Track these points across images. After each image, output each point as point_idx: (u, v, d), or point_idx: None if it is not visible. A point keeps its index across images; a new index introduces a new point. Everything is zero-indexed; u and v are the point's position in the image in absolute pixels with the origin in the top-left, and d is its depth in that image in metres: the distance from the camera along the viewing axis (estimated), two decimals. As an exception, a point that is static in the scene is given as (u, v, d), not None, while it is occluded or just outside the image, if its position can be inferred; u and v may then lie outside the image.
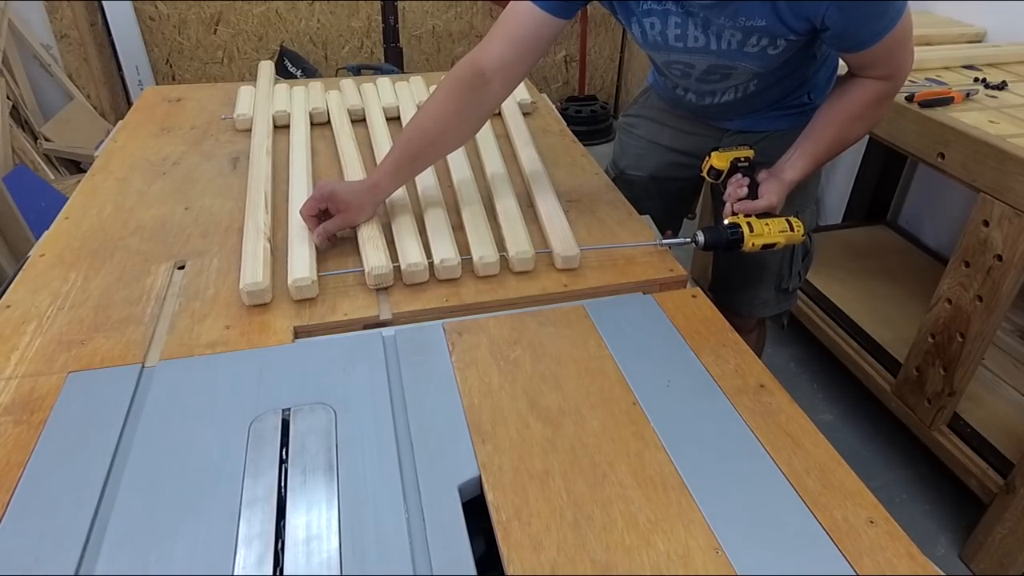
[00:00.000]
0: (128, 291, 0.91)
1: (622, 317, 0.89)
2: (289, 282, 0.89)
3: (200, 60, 2.97)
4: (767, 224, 0.98)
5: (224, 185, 1.17)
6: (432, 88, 1.47)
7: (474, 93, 0.98)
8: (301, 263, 0.91)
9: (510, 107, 1.43)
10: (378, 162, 1.20)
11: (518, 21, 0.96)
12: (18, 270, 0.95)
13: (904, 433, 1.70)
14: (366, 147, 1.28)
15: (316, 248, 0.95)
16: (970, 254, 1.36)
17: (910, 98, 1.44)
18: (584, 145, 1.38)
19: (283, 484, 0.65)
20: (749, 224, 0.97)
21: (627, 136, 1.39)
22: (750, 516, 0.63)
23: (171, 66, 2.96)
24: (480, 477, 0.66)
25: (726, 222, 0.99)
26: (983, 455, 1.46)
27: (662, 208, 1.14)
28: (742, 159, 1.03)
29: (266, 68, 1.56)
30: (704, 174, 1.07)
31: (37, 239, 1.03)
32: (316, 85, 1.51)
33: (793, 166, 1.02)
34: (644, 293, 0.95)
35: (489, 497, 0.64)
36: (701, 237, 0.98)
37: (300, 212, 0.97)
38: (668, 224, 1.09)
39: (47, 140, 2.57)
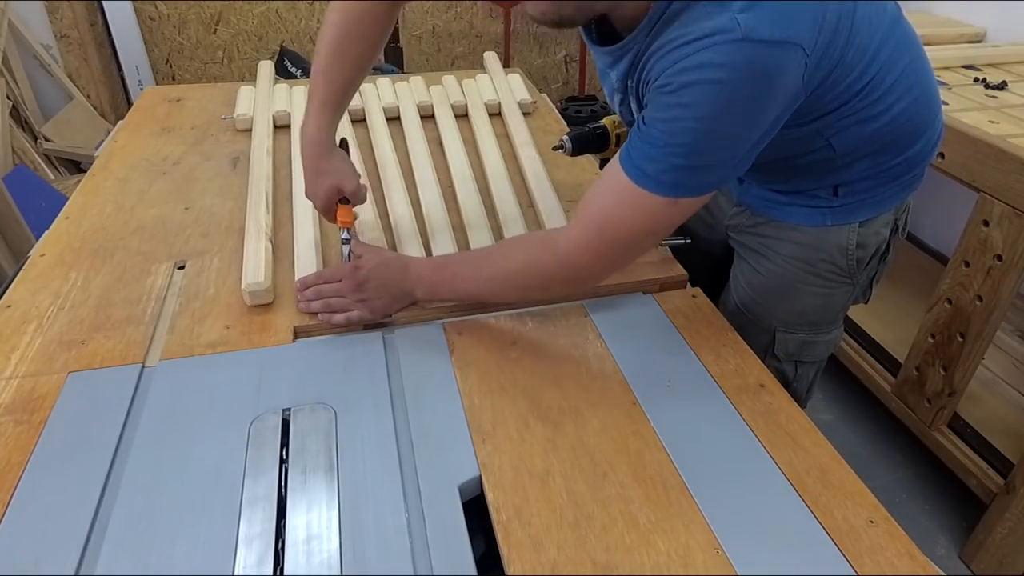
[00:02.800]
0: (128, 291, 0.91)
1: (622, 317, 0.89)
2: (242, 287, 0.88)
3: (200, 60, 2.97)
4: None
5: (224, 185, 1.17)
6: (432, 88, 1.48)
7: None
8: (307, 262, 0.91)
9: (510, 107, 1.43)
10: (378, 163, 1.20)
11: None
12: (18, 270, 0.95)
13: (904, 433, 1.70)
14: (366, 147, 1.28)
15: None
16: (970, 254, 1.36)
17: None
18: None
19: (283, 484, 0.65)
20: (614, 121, 1.01)
21: None
22: (750, 516, 0.63)
23: (171, 66, 2.96)
24: (480, 477, 0.66)
25: (590, 126, 1.02)
26: (983, 455, 1.46)
27: (692, 266, 0.97)
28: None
29: (266, 68, 1.56)
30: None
31: (37, 239, 1.03)
32: (316, 85, 1.51)
33: None
34: (644, 293, 0.95)
35: (489, 497, 0.64)
36: (569, 142, 0.99)
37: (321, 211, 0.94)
38: (696, 282, 0.97)
39: (47, 140, 2.56)
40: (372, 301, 0.85)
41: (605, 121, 1.01)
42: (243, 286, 0.87)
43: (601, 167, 1.07)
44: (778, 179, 0.92)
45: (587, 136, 0.99)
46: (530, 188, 1.14)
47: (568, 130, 1.02)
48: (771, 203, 0.95)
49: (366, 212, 1.03)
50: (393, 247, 0.97)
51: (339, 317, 0.85)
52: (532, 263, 0.81)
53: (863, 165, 0.85)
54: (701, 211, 0.93)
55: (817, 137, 0.81)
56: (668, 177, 0.69)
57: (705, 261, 1.09)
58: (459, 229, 1.02)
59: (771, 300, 0.99)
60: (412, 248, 0.95)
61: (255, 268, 0.89)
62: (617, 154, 0.73)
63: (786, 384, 1.02)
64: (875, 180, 0.88)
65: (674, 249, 1.03)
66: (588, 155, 1.31)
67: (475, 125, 1.35)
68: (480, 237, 0.98)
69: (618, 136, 1.00)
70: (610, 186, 0.73)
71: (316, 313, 0.86)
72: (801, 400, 1.09)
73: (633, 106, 0.80)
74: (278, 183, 1.15)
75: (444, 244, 0.96)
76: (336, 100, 0.92)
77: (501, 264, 0.84)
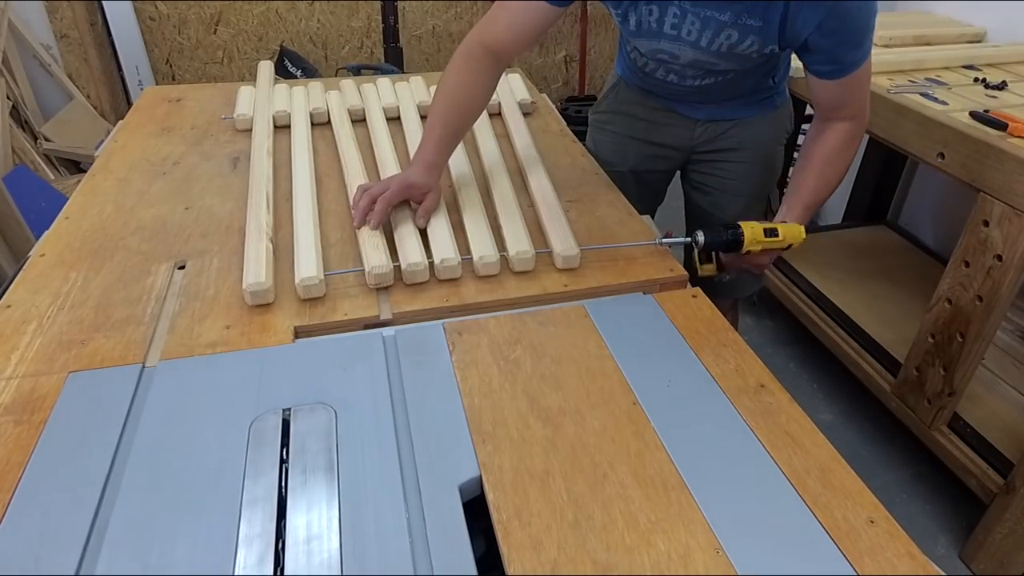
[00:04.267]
0: (128, 291, 0.91)
1: (622, 317, 0.89)
2: (296, 281, 0.88)
3: (200, 60, 2.97)
4: (765, 226, 0.99)
5: (224, 185, 1.17)
6: (432, 88, 1.47)
7: (488, 66, 1.08)
8: (308, 262, 0.91)
9: (510, 107, 1.43)
10: (378, 162, 1.20)
11: (520, 10, 1.04)
12: (18, 270, 0.95)
13: (904, 433, 1.70)
14: (366, 147, 1.28)
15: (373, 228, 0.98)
16: (970, 254, 1.36)
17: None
18: (584, 145, 1.38)
19: (283, 484, 0.65)
20: (749, 225, 0.98)
21: (601, 133, 1.43)
22: (750, 516, 0.63)
23: (171, 66, 2.96)
24: (480, 477, 0.66)
25: (726, 224, 0.99)
26: (983, 455, 1.46)
27: (638, 200, 1.19)
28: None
29: (265, 68, 1.56)
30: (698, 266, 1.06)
31: (37, 239, 1.03)
32: (316, 85, 1.51)
33: (789, 212, 1.08)
34: (644, 293, 0.95)
35: (489, 497, 0.64)
36: (701, 237, 0.99)
37: (384, 199, 0.98)
38: (643, 212, 1.14)
39: (47, 140, 2.56)
40: None
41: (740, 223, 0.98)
42: (244, 286, 0.87)
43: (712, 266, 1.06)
44: (756, 84, 1.22)
45: (720, 234, 0.98)
46: (530, 188, 1.14)
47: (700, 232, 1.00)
48: (739, 107, 1.25)
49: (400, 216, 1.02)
50: (393, 247, 0.97)
51: None
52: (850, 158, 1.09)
53: (785, 61, 1.23)
54: (654, 148, 1.37)
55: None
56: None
57: (642, 189, 1.40)
58: (459, 229, 1.02)
59: (765, 177, 1.34)
60: (412, 248, 0.95)
61: (256, 268, 0.89)
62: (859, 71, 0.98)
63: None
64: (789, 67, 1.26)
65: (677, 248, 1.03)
66: (589, 155, 1.32)
67: (474, 125, 1.35)
68: (480, 236, 0.98)
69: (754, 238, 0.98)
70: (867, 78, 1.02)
71: None
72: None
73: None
74: (278, 183, 1.15)
75: (444, 244, 0.96)
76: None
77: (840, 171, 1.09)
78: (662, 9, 1.03)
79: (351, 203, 1.03)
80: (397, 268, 0.92)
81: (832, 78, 0.99)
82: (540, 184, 1.14)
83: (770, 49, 1.01)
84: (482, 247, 0.96)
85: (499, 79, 1.13)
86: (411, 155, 1.22)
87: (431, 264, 0.93)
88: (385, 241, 0.96)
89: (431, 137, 1.04)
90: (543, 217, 1.05)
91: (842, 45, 0.95)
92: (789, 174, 1.99)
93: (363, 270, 0.92)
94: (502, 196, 1.10)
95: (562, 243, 0.98)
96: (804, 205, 1.08)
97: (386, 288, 0.92)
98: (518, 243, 0.97)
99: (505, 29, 1.06)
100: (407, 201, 1.04)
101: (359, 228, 0.99)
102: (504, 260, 0.96)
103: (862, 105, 1.05)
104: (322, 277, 0.89)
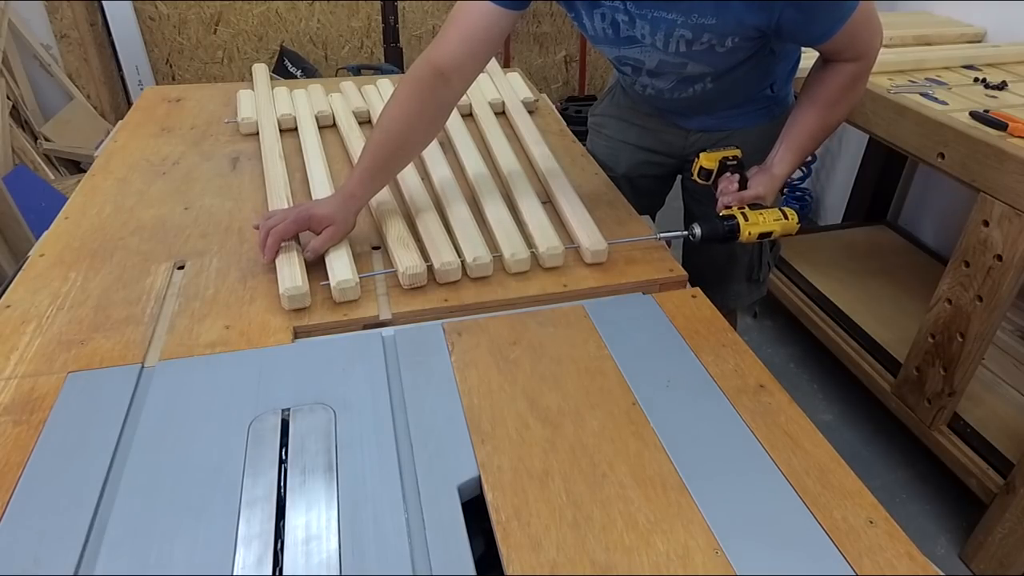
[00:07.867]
0: (128, 291, 0.91)
1: (622, 317, 0.89)
2: (332, 285, 0.88)
3: (200, 60, 2.97)
4: (761, 214, 0.99)
5: (224, 185, 1.17)
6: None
7: (435, 93, 0.98)
8: (341, 266, 0.90)
9: (515, 106, 1.43)
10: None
11: (471, 19, 0.96)
12: (18, 270, 0.95)
13: (904, 433, 1.70)
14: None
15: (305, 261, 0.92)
16: (970, 254, 1.36)
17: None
18: (584, 145, 1.38)
19: (282, 484, 0.65)
20: (744, 215, 0.99)
21: (596, 136, 1.41)
22: (750, 516, 0.63)
23: (171, 66, 2.95)
24: (480, 477, 0.66)
25: (721, 214, 1.00)
26: (983, 455, 1.46)
27: (636, 204, 1.15)
28: (730, 158, 1.04)
29: (261, 71, 1.56)
30: (695, 176, 1.07)
31: (37, 239, 1.03)
32: (316, 87, 1.51)
33: (781, 160, 1.05)
34: (644, 293, 0.95)
35: (489, 497, 0.64)
36: (698, 230, 0.99)
37: (274, 233, 0.92)
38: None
39: (47, 140, 2.56)
40: None
41: (734, 212, 0.98)
42: (281, 291, 0.86)
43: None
44: (747, 93, 1.16)
45: (716, 226, 0.98)
46: (549, 185, 1.14)
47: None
48: (733, 117, 1.20)
49: (392, 219, 1.02)
50: (423, 252, 0.95)
51: None
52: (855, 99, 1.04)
53: (785, 66, 1.17)
54: (647, 153, 1.34)
55: (773, 53, 1.07)
56: None
57: (639, 195, 1.33)
58: (482, 225, 1.01)
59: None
60: (443, 247, 0.94)
61: (291, 272, 0.88)
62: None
63: (772, 243, 1.27)
64: (792, 74, 1.22)
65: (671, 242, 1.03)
66: (588, 155, 1.32)
67: (483, 125, 1.35)
68: (508, 235, 0.98)
69: (748, 231, 0.98)
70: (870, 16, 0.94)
71: None
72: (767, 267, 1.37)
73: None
74: (293, 189, 1.14)
75: (474, 244, 0.95)
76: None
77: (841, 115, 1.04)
78: (614, 12, 0.98)
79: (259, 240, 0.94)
80: (424, 268, 0.92)
81: (821, 42, 0.95)
82: (559, 180, 1.13)
83: (732, 42, 0.95)
84: (512, 244, 0.96)
85: (450, 109, 1.02)
86: (423, 155, 1.22)
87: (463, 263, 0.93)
88: (415, 241, 0.96)
89: (358, 168, 0.97)
90: (567, 213, 1.05)
91: (818, 14, 0.90)
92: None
93: (395, 271, 0.91)
94: (521, 193, 1.10)
95: (589, 238, 0.98)
96: (799, 151, 1.05)
97: (422, 287, 0.92)
98: (547, 239, 0.97)
99: (457, 43, 0.96)
100: (429, 197, 1.04)
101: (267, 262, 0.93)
102: (533, 257, 0.96)
103: (866, 45, 0.97)
104: (357, 280, 0.89)
